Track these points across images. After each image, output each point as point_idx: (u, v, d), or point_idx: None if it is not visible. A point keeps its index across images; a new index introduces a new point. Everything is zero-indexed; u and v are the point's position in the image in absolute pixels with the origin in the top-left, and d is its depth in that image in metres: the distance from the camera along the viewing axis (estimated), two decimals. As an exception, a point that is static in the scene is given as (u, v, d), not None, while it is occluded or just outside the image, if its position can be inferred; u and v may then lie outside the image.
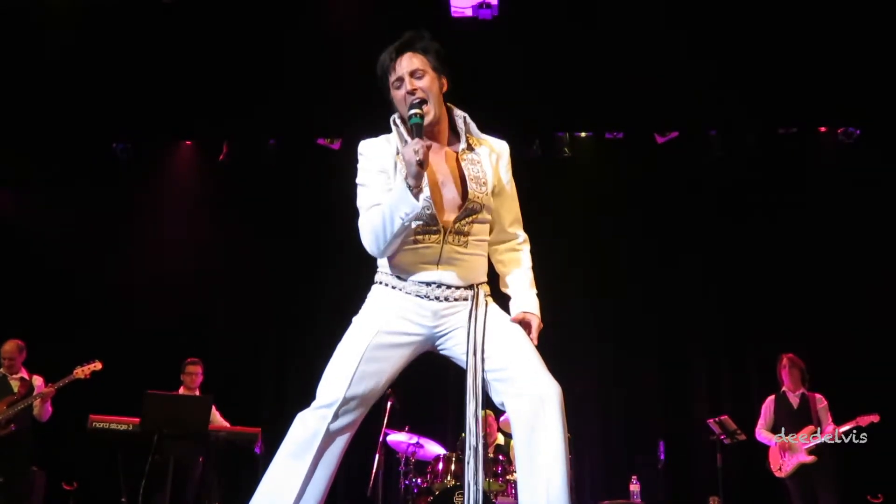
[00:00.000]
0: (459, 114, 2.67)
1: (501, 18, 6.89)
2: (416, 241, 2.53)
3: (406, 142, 2.52)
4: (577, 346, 7.89)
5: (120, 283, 8.19)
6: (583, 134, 8.50)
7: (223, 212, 8.57)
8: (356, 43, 7.07)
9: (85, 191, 8.41)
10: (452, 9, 6.79)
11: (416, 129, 2.44)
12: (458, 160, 2.61)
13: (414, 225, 2.47)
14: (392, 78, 2.57)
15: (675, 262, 8.24)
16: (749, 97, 7.38)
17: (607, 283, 8.16)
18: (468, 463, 2.46)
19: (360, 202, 2.57)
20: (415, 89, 2.52)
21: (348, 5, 7.22)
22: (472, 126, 2.68)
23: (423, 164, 2.36)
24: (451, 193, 2.56)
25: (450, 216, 2.54)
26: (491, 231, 2.71)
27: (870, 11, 6.82)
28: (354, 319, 2.63)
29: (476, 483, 2.43)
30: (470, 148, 2.64)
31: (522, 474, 2.43)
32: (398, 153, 2.55)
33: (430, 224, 2.50)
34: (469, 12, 6.81)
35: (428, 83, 2.54)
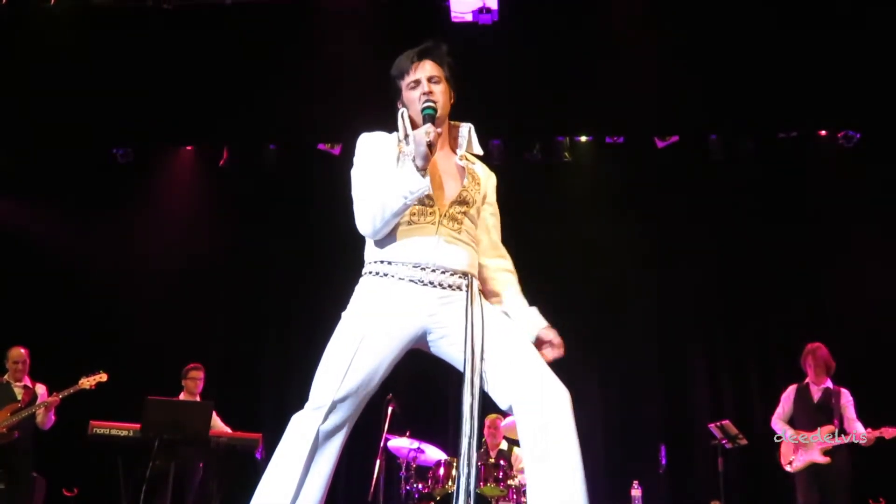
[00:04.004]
0: (466, 125, 2.76)
1: (501, 23, 6.90)
2: (411, 223, 2.56)
3: (407, 135, 2.62)
4: (577, 350, 7.81)
5: (120, 287, 8.19)
6: (583, 138, 8.49)
7: (223, 216, 8.57)
8: (356, 48, 7.10)
9: (85, 196, 8.41)
10: (452, 14, 6.80)
11: (429, 119, 2.54)
12: (455, 161, 2.71)
13: (409, 209, 2.52)
14: (409, 79, 2.66)
15: (676, 266, 8.24)
16: (749, 101, 7.38)
17: (607, 286, 8.15)
18: (462, 457, 2.42)
19: (359, 185, 2.61)
20: (430, 92, 2.62)
21: (347, 10, 7.23)
22: (475, 140, 2.76)
23: (432, 146, 2.43)
24: (447, 184, 2.64)
25: (445, 203, 2.61)
26: (478, 244, 2.73)
27: (869, 14, 6.83)
28: (343, 315, 2.60)
29: (468, 478, 2.39)
30: (467, 159, 2.75)
31: (535, 482, 2.38)
32: (400, 142, 2.63)
33: (426, 206, 2.55)
34: (469, 17, 6.82)
35: (441, 91, 2.65)
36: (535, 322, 2.68)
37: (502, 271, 2.79)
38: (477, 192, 2.68)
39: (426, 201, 2.54)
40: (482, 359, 2.46)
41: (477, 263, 2.69)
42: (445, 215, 2.58)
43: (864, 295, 7.52)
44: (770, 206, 8.07)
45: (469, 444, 2.39)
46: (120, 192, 8.50)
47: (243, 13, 7.22)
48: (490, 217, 2.80)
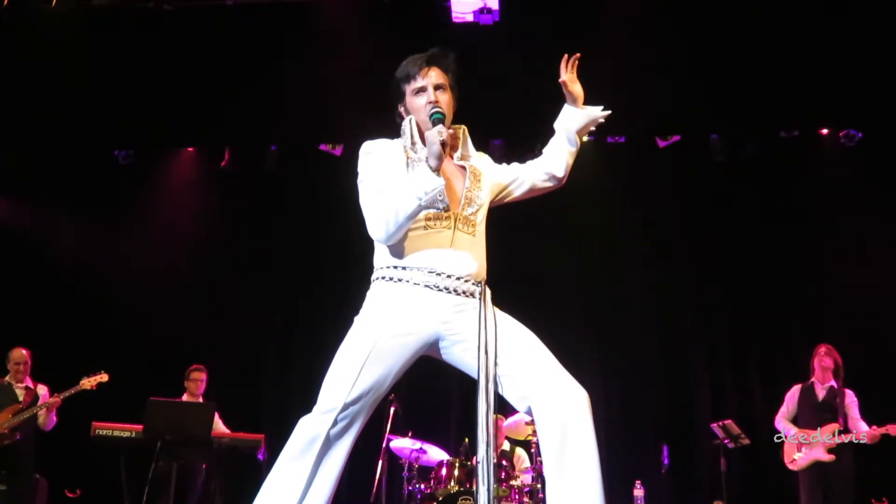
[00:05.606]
0: (459, 127, 2.79)
1: (502, 24, 6.89)
2: (426, 228, 2.56)
3: (415, 143, 2.66)
4: (579, 350, 7.86)
5: (121, 288, 8.18)
6: (584, 138, 8.44)
7: (225, 217, 8.57)
8: (357, 48, 7.09)
9: (86, 198, 8.41)
10: (453, 14, 6.78)
11: (438, 122, 2.55)
12: (455, 163, 2.74)
13: (424, 214, 2.52)
14: (414, 86, 2.68)
15: (677, 266, 8.23)
16: (750, 100, 7.37)
17: (608, 286, 8.14)
18: (480, 462, 2.42)
19: (368, 192, 2.60)
20: (437, 101, 2.64)
21: (349, 11, 7.22)
22: (469, 141, 2.81)
23: (445, 145, 2.45)
24: (456, 186, 2.66)
25: (457, 206, 2.63)
26: (526, 190, 2.96)
27: (870, 13, 6.81)
28: (356, 320, 2.61)
29: (488, 482, 2.40)
30: (463, 157, 2.79)
31: (554, 486, 2.43)
32: (408, 148, 2.66)
33: (440, 210, 2.56)
34: (470, 18, 6.81)
35: (447, 99, 2.68)
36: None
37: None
38: (479, 189, 2.70)
39: (440, 206, 2.53)
40: (496, 364, 2.46)
41: (485, 268, 2.69)
42: (459, 219, 2.60)
43: (865, 294, 7.50)
44: (771, 205, 8.06)
45: (487, 449, 2.39)
46: (121, 193, 8.51)
47: (244, 13, 7.21)
48: (517, 170, 2.92)
